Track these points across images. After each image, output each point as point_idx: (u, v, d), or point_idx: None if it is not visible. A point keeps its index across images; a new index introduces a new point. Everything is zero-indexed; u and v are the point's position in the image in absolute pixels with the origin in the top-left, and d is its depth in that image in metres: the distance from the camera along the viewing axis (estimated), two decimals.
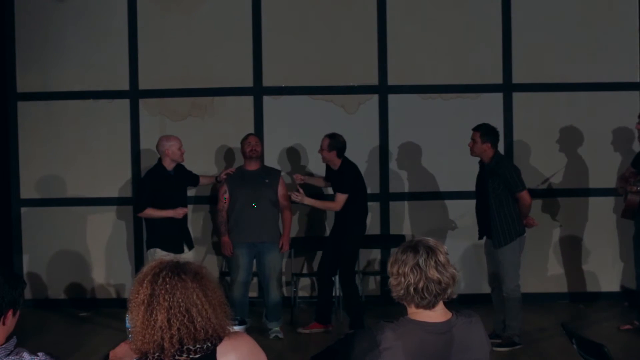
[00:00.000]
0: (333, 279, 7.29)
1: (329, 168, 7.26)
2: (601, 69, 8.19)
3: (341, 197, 6.98)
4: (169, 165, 6.71)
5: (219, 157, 8.30)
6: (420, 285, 2.73)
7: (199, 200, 8.27)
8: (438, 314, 2.79)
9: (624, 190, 6.87)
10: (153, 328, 2.56)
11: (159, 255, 6.44)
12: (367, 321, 7.00)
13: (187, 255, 6.62)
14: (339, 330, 7.10)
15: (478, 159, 6.65)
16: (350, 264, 7.15)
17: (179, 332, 2.56)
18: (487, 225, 6.57)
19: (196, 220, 8.30)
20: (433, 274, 2.73)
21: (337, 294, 7.57)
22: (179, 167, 6.86)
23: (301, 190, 6.95)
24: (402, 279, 2.75)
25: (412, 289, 2.73)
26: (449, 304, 2.87)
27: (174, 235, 6.68)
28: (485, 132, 6.52)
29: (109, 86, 8.28)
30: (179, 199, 6.79)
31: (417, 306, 2.77)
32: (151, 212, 6.64)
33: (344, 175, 7.03)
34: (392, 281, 2.79)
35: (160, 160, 6.77)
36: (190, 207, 8.22)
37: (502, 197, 6.46)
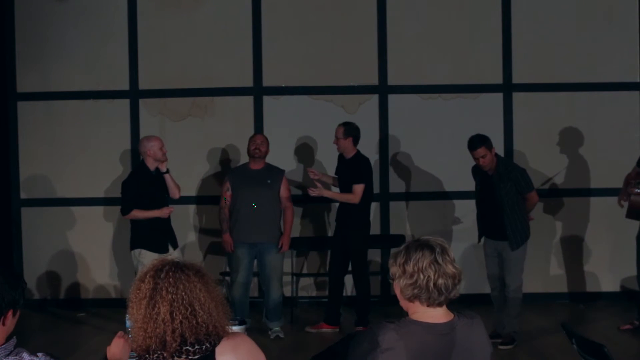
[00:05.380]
0: (355, 278, 7.27)
1: (340, 161, 7.21)
2: (601, 69, 8.19)
3: (358, 188, 6.94)
4: (152, 165, 6.66)
5: (218, 157, 8.30)
6: (440, 282, 2.72)
7: (200, 199, 8.27)
8: (440, 315, 2.77)
9: (626, 193, 6.89)
10: (155, 322, 2.57)
11: (144, 256, 6.45)
12: (370, 320, 7.00)
13: (173, 255, 6.61)
14: (344, 331, 7.09)
15: (475, 158, 6.59)
16: (363, 261, 7.14)
17: (182, 325, 2.56)
18: (496, 228, 6.56)
19: (198, 219, 8.30)
20: (450, 269, 2.74)
21: (345, 293, 7.55)
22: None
23: (318, 185, 6.94)
24: (420, 275, 2.71)
25: (431, 285, 2.71)
26: (450, 304, 2.86)
27: (158, 235, 6.63)
28: (487, 141, 6.47)
29: (109, 86, 8.28)
30: (162, 198, 6.74)
31: (430, 304, 2.75)
32: (137, 214, 6.59)
33: (360, 166, 7.00)
34: (405, 280, 2.74)
35: (142, 161, 6.75)
36: (193, 207, 8.24)
37: (514, 200, 6.49)
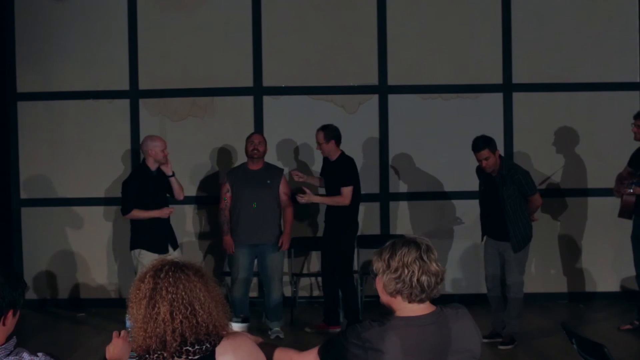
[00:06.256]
0: (337, 278, 7.24)
1: (325, 163, 7.20)
2: (601, 69, 8.19)
3: (347, 190, 6.90)
4: (153, 165, 6.67)
5: (219, 157, 8.30)
6: (423, 278, 2.75)
7: (200, 200, 8.27)
8: (423, 308, 2.81)
9: (619, 193, 6.91)
10: (155, 321, 2.57)
11: (144, 256, 6.45)
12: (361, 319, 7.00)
13: (172, 255, 6.62)
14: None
15: (479, 160, 6.58)
16: (348, 262, 7.08)
17: (182, 325, 2.56)
18: (499, 229, 6.56)
19: (198, 219, 8.30)
20: (434, 267, 2.77)
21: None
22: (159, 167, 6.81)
23: (307, 191, 6.93)
24: (405, 270, 2.75)
25: (415, 280, 2.74)
26: (445, 303, 2.89)
27: (159, 236, 6.65)
28: (491, 143, 6.47)
29: (109, 86, 8.28)
30: (162, 198, 6.75)
31: (412, 300, 2.78)
32: (137, 214, 6.60)
33: (346, 168, 6.95)
34: (390, 275, 2.77)
35: (143, 160, 6.75)
36: (193, 207, 8.25)
37: (517, 202, 6.49)
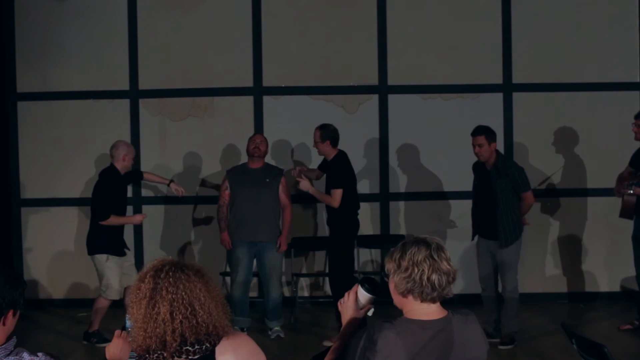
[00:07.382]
0: (342, 276, 7.18)
1: (324, 160, 7.19)
2: (601, 69, 8.19)
3: (336, 194, 6.78)
4: (122, 170, 6.81)
5: (218, 157, 8.30)
6: (434, 277, 2.74)
7: (200, 200, 8.27)
8: (434, 311, 2.80)
9: (620, 193, 6.92)
10: (155, 321, 2.57)
11: (112, 260, 6.66)
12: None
13: (130, 256, 6.94)
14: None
15: (473, 145, 6.57)
16: (338, 265, 6.91)
17: (182, 325, 2.56)
18: (489, 225, 6.56)
19: (197, 219, 8.30)
20: (445, 266, 2.76)
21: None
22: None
23: (305, 178, 6.92)
24: (415, 269, 2.74)
25: (425, 279, 2.74)
26: (445, 304, 2.88)
27: (119, 239, 6.82)
28: (489, 133, 6.50)
29: (109, 86, 8.28)
30: (125, 200, 6.98)
31: (424, 299, 2.77)
32: (114, 220, 6.68)
33: (338, 170, 6.87)
34: (400, 274, 2.76)
35: (112, 165, 6.82)
36: (193, 207, 8.24)
37: (509, 197, 6.48)
